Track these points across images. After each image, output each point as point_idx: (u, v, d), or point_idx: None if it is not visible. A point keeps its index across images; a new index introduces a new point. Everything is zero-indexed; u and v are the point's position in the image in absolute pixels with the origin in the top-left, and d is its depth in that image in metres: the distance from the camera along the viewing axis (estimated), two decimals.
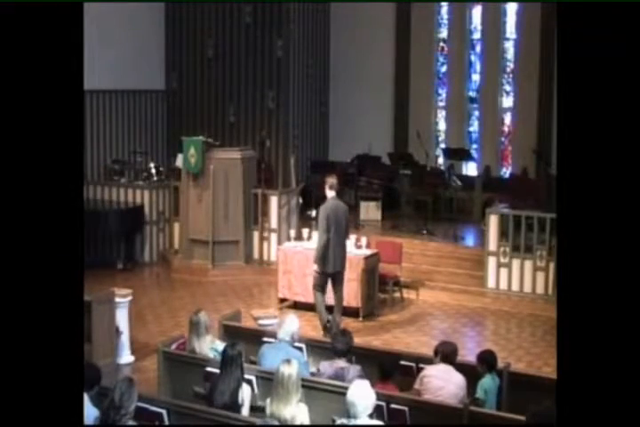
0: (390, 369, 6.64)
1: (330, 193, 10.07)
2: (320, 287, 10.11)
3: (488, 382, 6.68)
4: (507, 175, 16.38)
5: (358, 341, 7.27)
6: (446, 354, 6.69)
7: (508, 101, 16.53)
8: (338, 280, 10.18)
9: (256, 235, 13.48)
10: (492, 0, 16.19)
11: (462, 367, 6.71)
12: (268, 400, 5.78)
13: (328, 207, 9.99)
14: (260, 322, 9.32)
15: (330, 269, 9.98)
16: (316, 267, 9.99)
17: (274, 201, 13.48)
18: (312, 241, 11.40)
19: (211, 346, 7.13)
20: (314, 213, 14.87)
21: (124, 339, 9.16)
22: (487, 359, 6.82)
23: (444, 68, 17.14)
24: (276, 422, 5.44)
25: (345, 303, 10.91)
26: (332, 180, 10.09)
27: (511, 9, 16.30)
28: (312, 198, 15.17)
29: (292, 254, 11.41)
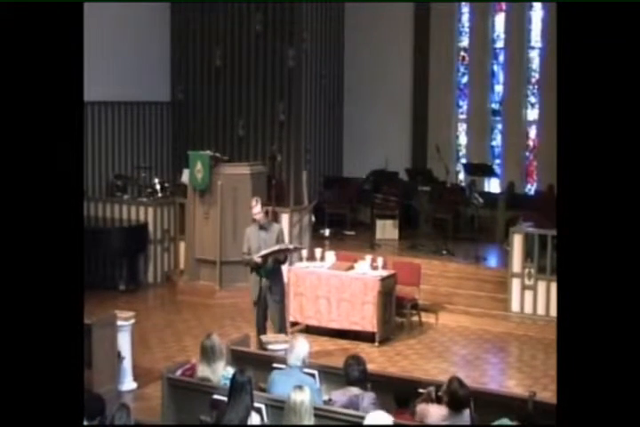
0: (407, 397, 6.59)
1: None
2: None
3: None
4: (532, 192, 16.39)
5: (374, 367, 7.27)
6: (460, 401, 6.00)
7: (532, 114, 16.57)
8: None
9: None
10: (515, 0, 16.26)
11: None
12: None
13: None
14: (270, 347, 9.31)
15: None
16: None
17: (285, 219, 13.51)
18: (325, 262, 11.44)
19: (221, 373, 7.08)
20: (327, 231, 14.97)
21: (127, 364, 9.17)
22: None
23: (464, 79, 17.20)
24: None
25: (360, 328, 10.92)
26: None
27: (536, 16, 16.37)
28: (325, 216, 15.23)
29: (304, 275, 11.42)
